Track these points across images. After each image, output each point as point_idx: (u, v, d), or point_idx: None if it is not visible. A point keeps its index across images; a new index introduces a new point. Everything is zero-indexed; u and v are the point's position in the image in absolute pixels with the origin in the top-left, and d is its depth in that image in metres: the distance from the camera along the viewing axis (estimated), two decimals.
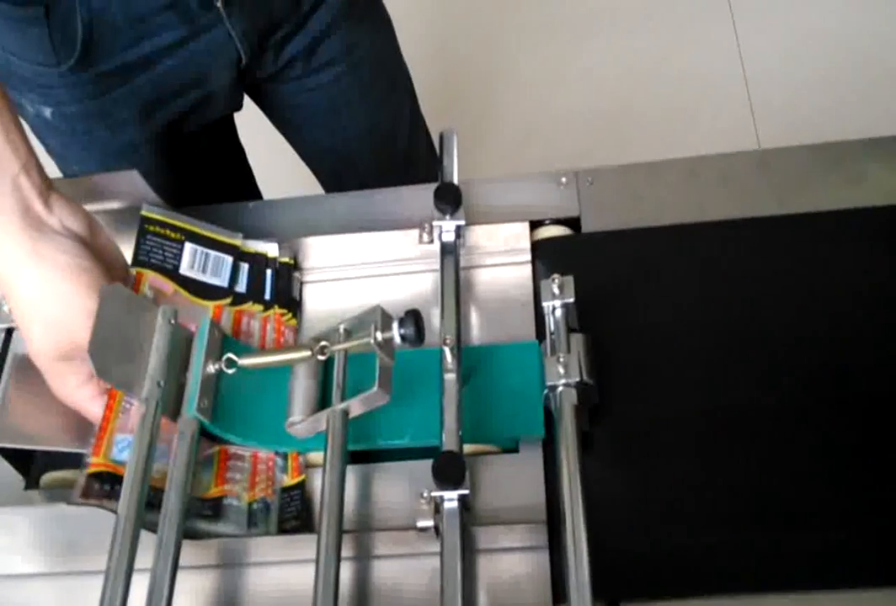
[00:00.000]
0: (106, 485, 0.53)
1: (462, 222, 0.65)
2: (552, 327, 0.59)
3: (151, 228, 0.62)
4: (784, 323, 0.60)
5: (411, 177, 0.76)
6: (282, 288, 0.64)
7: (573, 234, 0.68)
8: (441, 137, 0.70)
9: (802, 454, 0.55)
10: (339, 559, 0.51)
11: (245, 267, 0.64)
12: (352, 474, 0.58)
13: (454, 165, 0.68)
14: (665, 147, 1.45)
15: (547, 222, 0.69)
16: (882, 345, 0.58)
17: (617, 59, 1.58)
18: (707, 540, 0.53)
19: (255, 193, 0.97)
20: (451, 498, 0.52)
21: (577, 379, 0.55)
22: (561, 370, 0.55)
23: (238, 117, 0.88)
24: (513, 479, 0.57)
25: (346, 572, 0.55)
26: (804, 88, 1.48)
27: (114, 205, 0.65)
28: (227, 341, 0.59)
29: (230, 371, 0.56)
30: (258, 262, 0.65)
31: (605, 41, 1.61)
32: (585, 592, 0.48)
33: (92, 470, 0.53)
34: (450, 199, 0.64)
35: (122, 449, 0.54)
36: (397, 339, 0.56)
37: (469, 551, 0.55)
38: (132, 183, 0.63)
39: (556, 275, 0.59)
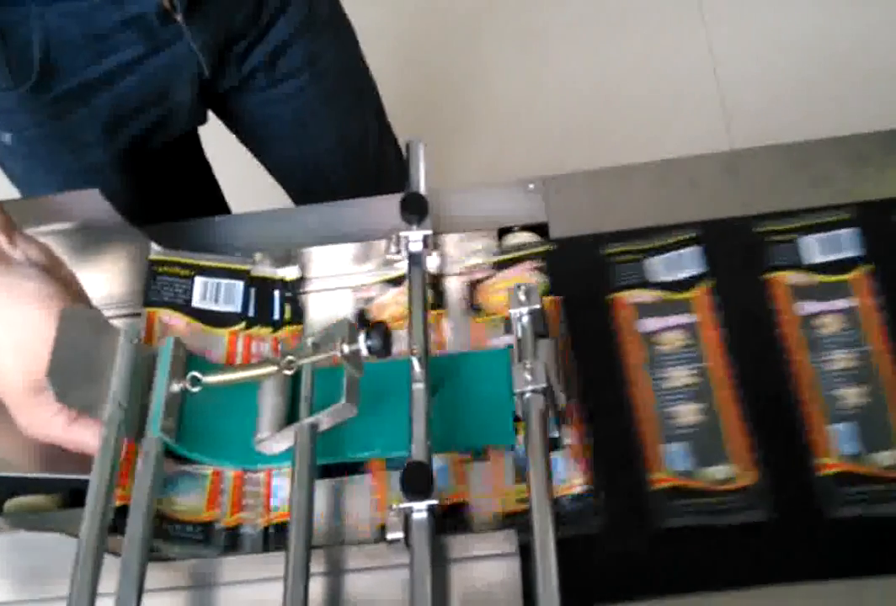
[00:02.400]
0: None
1: (429, 232, 0.64)
2: (519, 334, 0.59)
3: (161, 270, 0.64)
4: (752, 323, 0.60)
5: (382, 188, 0.76)
6: (291, 305, 0.65)
7: (540, 241, 0.68)
8: (408, 147, 0.70)
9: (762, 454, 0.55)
10: (307, 575, 0.50)
11: (253, 291, 0.65)
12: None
13: (421, 175, 0.68)
14: (640, 152, 1.46)
15: (516, 229, 0.69)
16: None
17: (591, 66, 1.59)
18: (677, 541, 0.53)
19: (223, 208, 0.96)
20: (419, 509, 0.52)
21: (544, 385, 0.55)
22: (528, 376, 0.55)
23: (204, 132, 0.88)
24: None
25: (318, 587, 0.55)
26: (776, 91, 1.49)
27: (76, 225, 0.64)
28: (192, 360, 0.58)
29: (195, 389, 0.56)
30: (265, 284, 0.65)
31: (578, 49, 1.61)
32: (553, 597, 0.47)
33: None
34: (416, 209, 0.64)
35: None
36: (364, 351, 0.55)
37: (442, 560, 0.54)
38: (93, 203, 0.63)
39: (521, 283, 0.59)
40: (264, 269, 0.66)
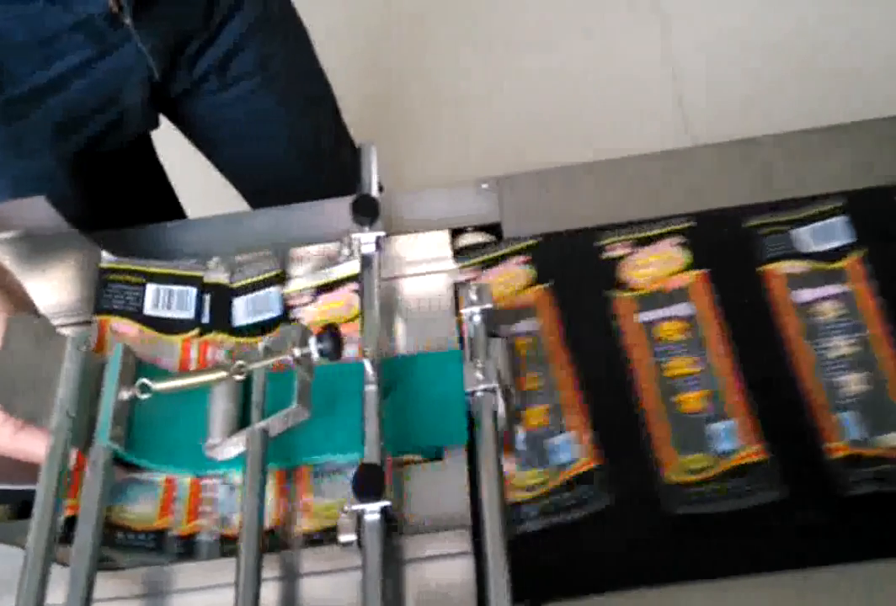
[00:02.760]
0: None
1: (381, 233, 0.64)
2: (471, 333, 0.59)
3: (112, 277, 0.63)
4: (703, 317, 0.61)
5: (338, 189, 0.75)
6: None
7: (493, 241, 0.68)
8: (359, 150, 0.70)
9: None
10: (258, 580, 0.50)
11: (208, 297, 0.64)
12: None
13: (373, 178, 0.68)
14: (599, 151, 1.46)
15: (469, 229, 0.69)
16: None
17: (549, 65, 1.59)
18: (625, 538, 0.53)
19: (178, 213, 0.96)
20: (372, 511, 0.52)
21: (495, 385, 0.55)
22: (479, 375, 0.55)
23: (158, 136, 0.87)
24: (438, 487, 0.56)
25: (272, 593, 0.54)
26: (733, 89, 1.50)
27: (21, 233, 0.64)
28: (141, 367, 0.58)
29: (144, 396, 0.55)
30: (221, 290, 0.65)
31: (536, 49, 1.62)
32: (503, 595, 0.47)
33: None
34: (367, 211, 0.64)
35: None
36: (315, 354, 0.55)
37: (396, 561, 0.54)
38: (39, 210, 0.62)
39: (472, 283, 0.59)
40: (219, 276, 0.66)
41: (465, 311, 0.59)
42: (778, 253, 0.62)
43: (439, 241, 0.67)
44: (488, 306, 0.59)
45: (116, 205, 0.83)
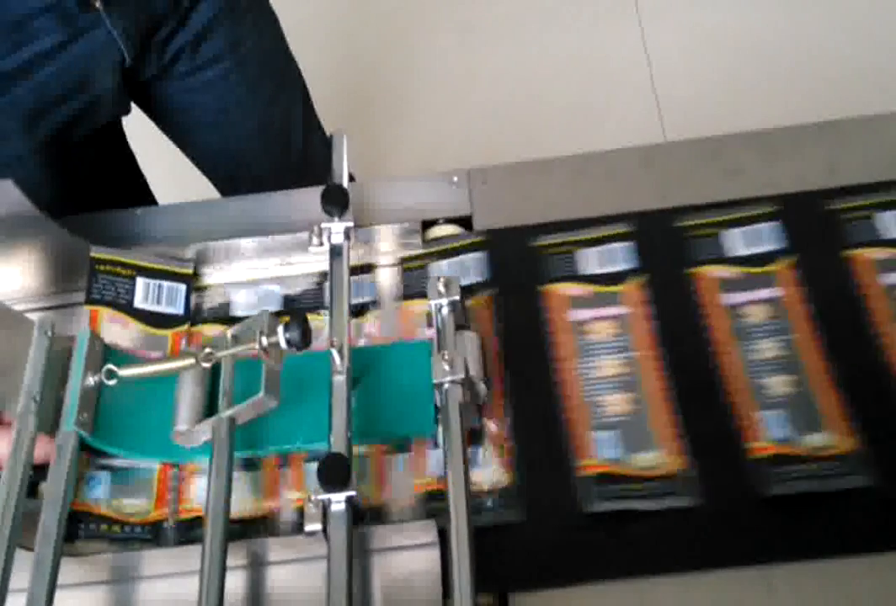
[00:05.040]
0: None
1: (350, 224, 0.64)
2: (439, 325, 0.59)
3: (102, 268, 0.64)
4: (672, 312, 0.62)
5: (308, 179, 0.75)
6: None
7: (463, 233, 0.68)
8: (330, 139, 0.70)
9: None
10: (223, 568, 0.50)
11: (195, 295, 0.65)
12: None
13: (343, 167, 0.68)
14: (574, 144, 1.47)
15: (440, 221, 0.69)
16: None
17: (526, 58, 1.60)
18: (590, 530, 0.54)
19: (148, 200, 0.95)
20: (338, 501, 0.52)
21: (462, 376, 0.55)
22: (446, 367, 0.56)
23: (130, 123, 0.86)
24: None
25: (238, 580, 0.55)
26: (707, 84, 1.51)
27: None
28: (109, 352, 0.57)
29: (111, 382, 0.55)
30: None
31: (514, 41, 1.62)
32: (466, 585, 0.48)
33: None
34: (337, 201, 0.64)
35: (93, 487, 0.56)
36: (283, 344, 0.55)
37: (362, 551, 0.54)
38: (7, 194, 0.61)
39: (440, 274, 0.59)
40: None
41: (432, 303, 0.59)
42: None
43: (410, 233, 0.67)
44: (456, 298, 0.59)
45: (86, 190, 0.82)
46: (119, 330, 0.62)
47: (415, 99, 1.59)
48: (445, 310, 0.59)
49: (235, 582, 0.54)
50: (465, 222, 0.69)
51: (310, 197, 0.67)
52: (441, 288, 0.59)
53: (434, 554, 0.54)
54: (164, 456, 0.57)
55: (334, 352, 0.57)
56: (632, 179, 0.68)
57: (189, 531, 0.56)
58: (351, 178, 0.69)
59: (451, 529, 0.51)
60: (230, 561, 0.51)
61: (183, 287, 0.65)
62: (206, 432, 0.56)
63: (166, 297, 0.64)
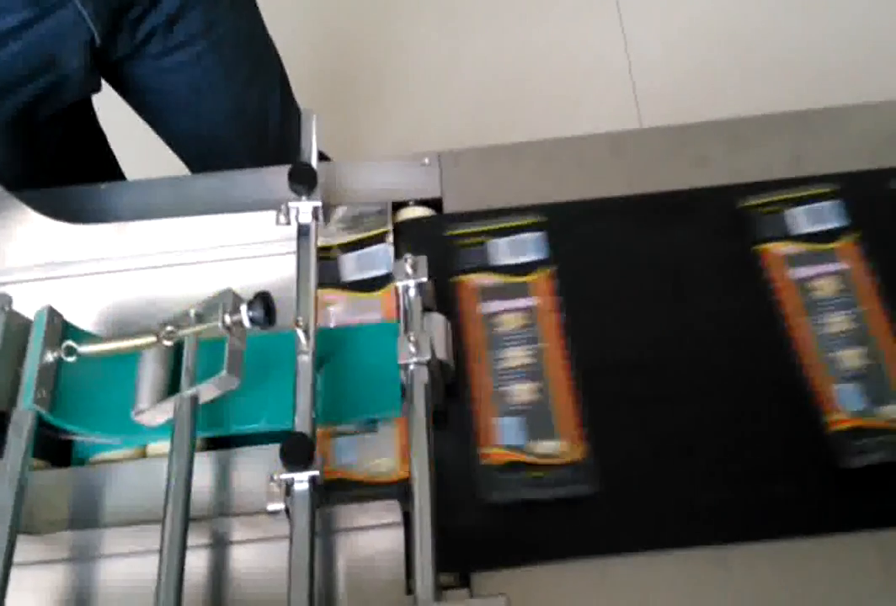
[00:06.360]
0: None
1: (318, 203, 0.64)
2: (406, 306, 0.59)
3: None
4: (639, 297, 0.62)
5: (285, 162, 0.74)
6: None
7: (434, 215, 0.68)
8: (300, 117, 0.69)
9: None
10: (184, 547, 0.50)
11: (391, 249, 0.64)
12: (208, 460, 0.57)
13: (312, 146, 0.67)
14: (554, 129, 1.47)
15: (410, 203, 0.69)
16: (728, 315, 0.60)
17: (506, 44, 1.59)
18: (549, 511, 0.54)
19: (119, 179, 0.93)
20: (300, 480, 0.52)
21: (428, 357, 0.55)
22: (412, 348, 0.55)
23: (98, 100, 0.85)
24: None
25: (200, 559, 0.54)
26: (685, 73, 1.52)
27: None
28: (68, 329, 0.57)
29: (70, 359, 0.54)
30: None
31: (495, 26, 1.61)
32: (428, 565, 0.48)
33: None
34: (304, 180, 0.63)
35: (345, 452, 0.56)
36: (246, 322, 0.55)
37: (326, 530, 0.54)
38: None
39: (408, 255, 0.59)
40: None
41: (399, 284, 0.59)
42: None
43: (380, 214, 0.67)
44: (423, 280, 0.59)
45: (55, 168, 0.81)
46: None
47: (394, 83, 1.58)
48: (412, 292, 0.59)
49: (197, 561, 0.54)
50: (435, 204, 0.69)
51: (279, 176, 0.67)
52: (408, 268, 0.59)
53: (398, 534, 0.53)
54: (125, 435, 0.56)
55: (300, 332, 0.57)
56: (601, 165, 0.68)
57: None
58: (324, 158, 0.68)
59: (415, 509, 0.51)
60: (192, 540, 0.51)
61: (381, 247, 0.64)
62: (167, 411, 0.55)
63: (372, 262, 0.64)
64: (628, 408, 0.57)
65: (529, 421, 0.57)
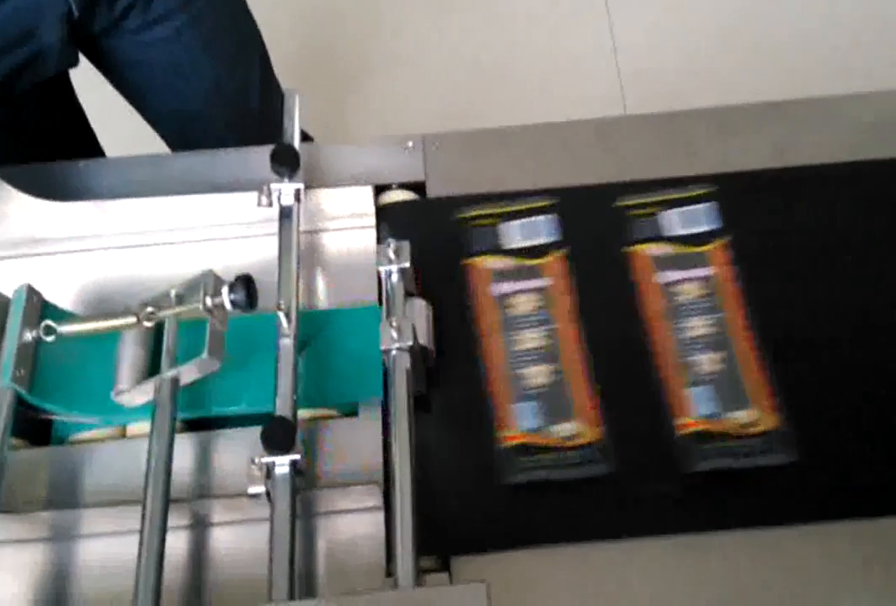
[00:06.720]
0: (526, 457, 0.55)
1: (301, 185, 0.63)
2: (388, 291, 0.59)
3: (471, 224, 0.64)
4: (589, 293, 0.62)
5: (266, 141, 0.74)
6: None
7: (416, 200, 0.68)
8: (281, 95, 0.68)
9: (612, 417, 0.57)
10: (164, 527, 0.50)
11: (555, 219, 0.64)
12: (189, 441, 0.57)
13: (295, 127, 0.67)
14: (537, 113, 1.46)
15: (393, 186, 0.68)
16: None
17: (493, 28, 1.58)
18: (529, 497, 0.55)
19: (98, 155, 0.92)
20: (282, 464, 0.52)
21: (410, 343, 0.55)
22: (394, 334, 0.55)
23: (76, 76, 0.83)
24: (352, 442, 0.57)
25: (179, 541, 0.54)
26: (669, 58, 1.52)
27: None
28: (47, 307, 0.56)
29: (49, 338, 0.54)
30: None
31: (481, 11, 1.60)
32: (408, 548, 0.49)
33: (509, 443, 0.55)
34: (286, 162, 0.63)
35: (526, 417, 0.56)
36: (228, 305, 0.54)
37: (307, 513, 0.54)
38: None
39: (391, 240, 0.59)
40: None
41: (382, 269, 0.59)
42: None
43: (363, 197, 0.67)
44: (406, 265, 0.59)
45: (33, 145, 0.80)
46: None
47: (378, 63, 1.57)
48: (395, 277, 0.59)
49: (177, 543, 0.54)
50: (419, 188, 0.69)
51: (261, 156, 0.66)
52: (391, 254, 0.59)
53: (378, 518, 0.54)
54: (104, 415, 0.56)
55: (281, 315, 0.57)
56: (585, 151, 0.68)
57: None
58: (307, 138, 0.67)
59: (395, 493, 0.51)
60: (172, 522, 0.51)
61: (544, 217, 0.64)
62: (147, 392, 0.55)
63: (535, 230, 0.63)
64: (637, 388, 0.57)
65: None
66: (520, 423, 0.57)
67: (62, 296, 0.61)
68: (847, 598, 0.52)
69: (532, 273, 0.62)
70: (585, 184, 0.66)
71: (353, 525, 0.55)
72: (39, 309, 0.55)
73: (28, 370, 0.54)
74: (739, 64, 1.50)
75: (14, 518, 0.53)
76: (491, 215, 0.65)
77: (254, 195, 0.64)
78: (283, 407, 0.55)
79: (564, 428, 0.56)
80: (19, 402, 0.54)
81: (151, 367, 0.56)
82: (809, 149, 0.67)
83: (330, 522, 0.55)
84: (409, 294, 0.59)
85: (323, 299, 0.64)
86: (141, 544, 0.49)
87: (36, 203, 0.63)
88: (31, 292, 0.55)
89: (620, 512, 0.54)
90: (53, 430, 0.58)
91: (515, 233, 0.64)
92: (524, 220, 0.64)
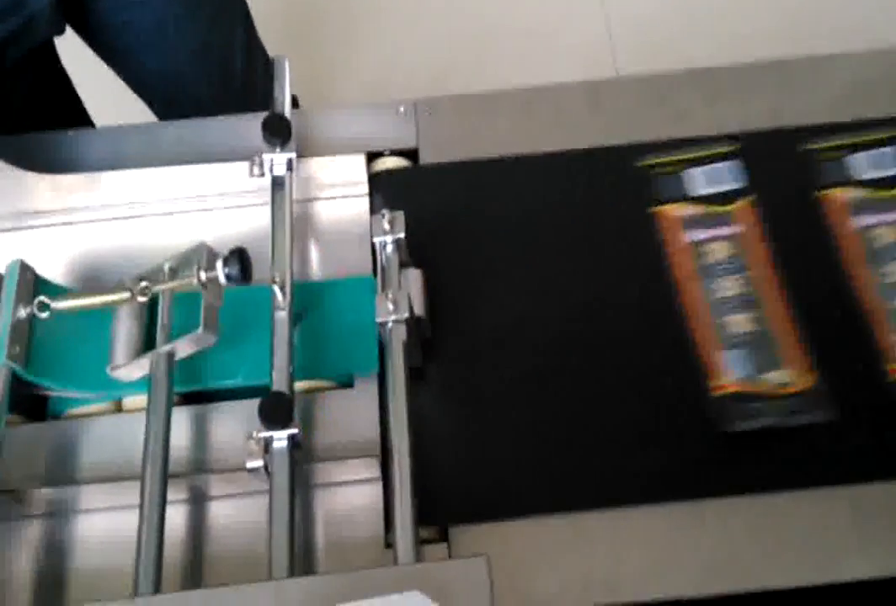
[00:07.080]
0: (743, 403, 0.55)
1: (293, 155, 0.62)
2: (383, 263, 0.58)
3: (657, 170, 0.63)
4: (610, 255, 0.62)
5: (250, 103, 0.72)
6: None
7: (409, 167, 0.67)
8: (272, 64, 0.67)
9: (616, 384, 0.57)
10: (164, 502, 0.50)
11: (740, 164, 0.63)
12: (185, 415, 0.57)
13: (285, 95, 0.66)
14: (526, 73, 1.44)
15: (386, 153, 0.68)
16: None
17: None
18: (526, 467, 0.55)
19: (86, 124, 0.91)
20: (279, 438, 0.52)
21: (406, 315, 0.55)
22: (390, 306, 0.55)
23: (61, 44, 0.82)
24: (348, 414, 0.57)
25: (179, 515, 0.55)
26: (659, 18, 1.49)
27: None
28: (40, 283, 0.56)
29: (43, 315, 0.54)
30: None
31: None
32: (408, 518, 0.49)
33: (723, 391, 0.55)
34: (279, 131, 0.62)
35: (735, 365, 0.56)
36: (222, 279, 0.54)
37: (305, 486, 0.55)
38: None
39: (385, 210, 0.58)
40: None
41: (377, 240, 0.58)
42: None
43: (355, 165, 0.66)
44: (400, 236, 0.58)
45: (22, 117, 0.78)
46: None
47: (365, 24, 1.54)
48: (390, 248, 0.58)
49: (176, 517, 0.54)
50: (411, 155, 0.68)
51: (252, 123, 0.65)
52: (386, 224, 0.58)
53: (376, 490, 0.54)
54: (100, 390, 0.56)
55: (276, 288, 0.57)
56: (578, 115, 0.68)
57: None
58: (295, 102, 0.66)
59: (394, 464, 0.51)
60: (170, 496, 0.51)
61: (726, 164, 0.63)
62: (143, 367, 0.55)
63: (720, 177, 0.62)
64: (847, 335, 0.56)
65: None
66: (733, 371, 0.56)
67: (53, 269, 0.60)
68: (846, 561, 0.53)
69: (723, 220, 0.61)
70: (764, 128, 0.64)
71: (351, 496, 0.55)
72: (33, 284, 0.55)
73: (23, 346, 0.53)
74: (732, 21, 1.48)
75: (13, 495, 0.53)
76: (672, 163, 0.64)
77: (245, 165, 0.63)
78: (279, 381, 0.54)
79: (775, 376, 0.56)
80: (15, 379, 0.53)
81: (146, 342, 0.56)
82: (806, 108, 0.66)
83: (328, 494, 0.55)
84: (403, 264, 0.59)
85: (316, 269, 0.63)
86: (141, 519, 0.50)
87: (26, 175, 0.62)
88: (24, 268, 0.55)
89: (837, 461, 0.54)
90: (49, 406, 0.58)
91: (700, 180, 0.63)
92: (707, 167, 0.63)
